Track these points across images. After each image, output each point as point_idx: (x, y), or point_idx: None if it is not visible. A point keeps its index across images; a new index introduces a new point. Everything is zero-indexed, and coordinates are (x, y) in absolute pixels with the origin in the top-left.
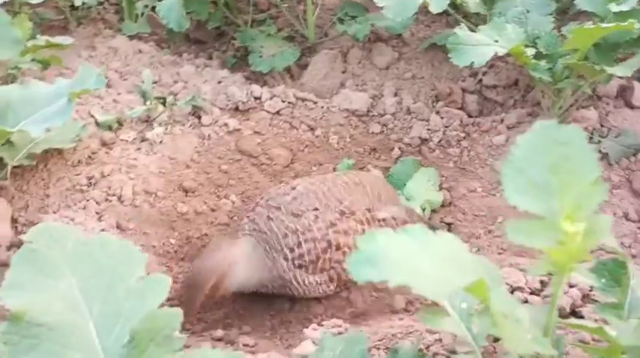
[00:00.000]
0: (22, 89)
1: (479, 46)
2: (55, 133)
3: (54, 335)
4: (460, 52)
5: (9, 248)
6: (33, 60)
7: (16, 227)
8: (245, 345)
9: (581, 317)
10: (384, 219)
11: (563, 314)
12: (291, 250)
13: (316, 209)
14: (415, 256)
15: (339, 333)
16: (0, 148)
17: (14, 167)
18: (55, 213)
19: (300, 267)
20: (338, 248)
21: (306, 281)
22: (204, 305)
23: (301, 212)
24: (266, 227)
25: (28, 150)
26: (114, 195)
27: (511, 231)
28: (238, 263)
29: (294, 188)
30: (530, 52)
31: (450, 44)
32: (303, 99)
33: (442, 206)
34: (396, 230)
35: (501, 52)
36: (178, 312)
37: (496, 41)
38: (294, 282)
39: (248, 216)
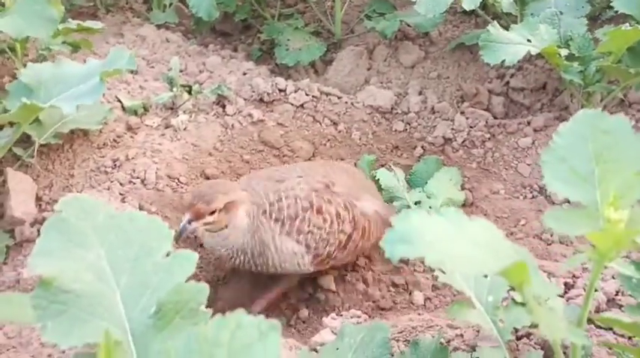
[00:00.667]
0: (54, 67)
1: (511, 44)
2: (82, 115)
3: (81, 303)
4: (491, 49)
5: (32, 224)
6: (64, 42)
7: (40, 205)
8: None
9: None
10: (367, 214)
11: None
12: (271, 204)
13: (300, 177)
14: (450, 238)
15: (358, 323)
16: (29, 126)
17: (41, 145)
18: (79, 192)
19: (276, 220)
20: (319, 211)
21: (284, 247)
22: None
23: (284, 178)
24: (249, 188)
25: (56, 129)
26: (137, 177)
27: (550, 219)
28: (245, 203)
29: (287, 165)
30: (563, 53)
31: (481, 41)
32: (328, 94)
33: (463, 206)
34: (429, 212)
35: (533, 51)
36: (205, 287)
37: (528, 41)
38: (272, 246)
39: (241, 183)
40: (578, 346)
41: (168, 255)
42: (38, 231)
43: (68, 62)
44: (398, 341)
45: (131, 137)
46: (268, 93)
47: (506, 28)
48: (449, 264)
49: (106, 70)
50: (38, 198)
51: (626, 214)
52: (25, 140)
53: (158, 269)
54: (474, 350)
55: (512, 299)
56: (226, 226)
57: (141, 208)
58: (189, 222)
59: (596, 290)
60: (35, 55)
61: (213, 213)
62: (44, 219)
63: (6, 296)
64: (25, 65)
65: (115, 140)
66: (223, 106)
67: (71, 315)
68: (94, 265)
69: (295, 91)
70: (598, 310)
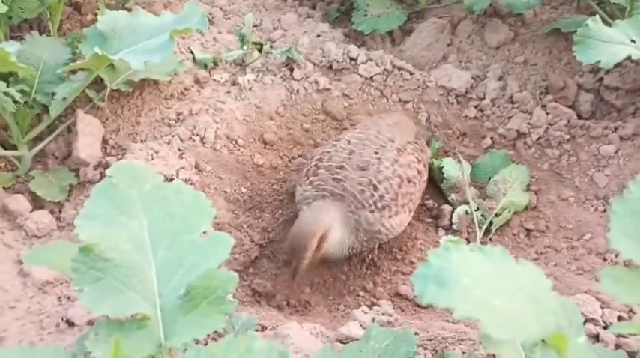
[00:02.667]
0: (130, 17)
1: (610, 43)
2: (154, 64)
3: (118, 273)
4: (587, 46)
5: (96, 167)
6: None
7: (105, 148)
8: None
9: None
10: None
11: None
12: (371, 196)
13: (377, 153)
14: (490, 283)
15: (389, 323)
16: (103, 70)
17: (112, 90)
18: (142, 141)
19: (382, 208)
20: (409, 180)
21: (395, 224)
22: (308, 268)
23: (366, 162)
24: (338, 189)
25: (127, 76)
26: (197, 135)
27: (607, 280)
28: (334, 226)
29: (348, 141)
30: None
31: (577, 36)
32: (400, 69)
33: (525, 210)
34: (472, 248)
35: (635, 55)
36: (234, 277)
37: (632, 41)
38: (383, 230)
39: (310, 182)
40: None
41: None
42: (101, 173)
43: (144, 13)
44: (426, 348)
45: (197, 91)
46: (338, 61)
47: (612, 17)
48: (482, 323)
49: (176, 28)
50: (104, 141)
51: None
52: (99, 83)
53: (194, 248)
54: None
55: None
56: (327, 249)
57: (197, 166)
58: (296, 268)
59: None
60: None
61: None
62: (107, 163)
63: (56, 244)
64: (106, 5)
65: (182, 92)
66: (291, 69)
67: (107, 283)
68: (135, 235)
69: (366, 62)
70: None
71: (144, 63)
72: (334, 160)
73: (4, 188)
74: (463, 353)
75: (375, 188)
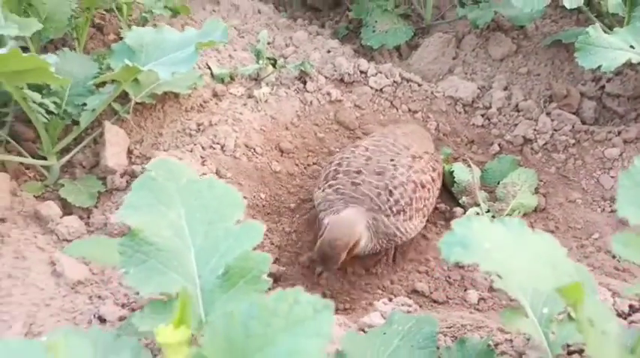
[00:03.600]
0: (155, 33)
1: (610, 49)
2: (175, 78)
3: (160, 256)
4: (588, 52)
5: (122, 175)
6: (165, 7)
7: (130, 158)
8: None
9: None
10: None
11: None
12: (387, 201)
13: (392, 160)
14: (509, 248)
15: (409, 313)
16: (127, 85)
17: (137, 103)
18: (165, 151)
19: (398, 213)
20: (423, 186)
21: (409, 228)
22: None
23: (382, 169)
24: (356, 193)
25: (151, 89)
26: (218, 143)
27: (618, 244)
28: (363, 235)
29: (366, 148)
30: None
31: (579, 43)
32: (408, 80)
33: (534, 211)
34: (492, 220)
35: (635, 59)
36: (268, 257)
37: (632, 47)
38: (398, 233)
39: (330, 185)
40: None
41: (238, 222)
42: (127, 181)
43: (168, 29)
44: (445, 335)
45: (216, 104)
46: (349, 74)
47: (610, 28)
48: (503, 276)
49: (201, 41)
50: (129, 152)
51: None
52: (123, 97)
53: (229, 235)
54: (523, 355)
55: (568, 315)
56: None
57: (218, 173)
58: (322, 273)
59: None
60: (138, 16)
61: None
62: (133, 171)
63: (95, 239)
64: (128, 25)
65: (201, 105)
66: (304, 82)
67: (151, 265)
68: (175, 223)
69: (376, 74)
70: None
71: (171, 73)
72: (352, 166)
73: (34, 196)
74: (481, 338)
75: (391, 193)
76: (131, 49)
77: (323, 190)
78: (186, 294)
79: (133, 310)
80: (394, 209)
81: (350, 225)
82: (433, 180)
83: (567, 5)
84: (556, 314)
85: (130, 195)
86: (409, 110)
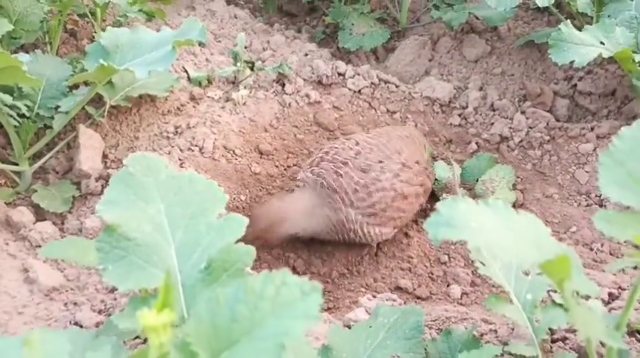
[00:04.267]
0: (131, 33)
1: (582, 45)
2: (151, 81)
3: (140, 251)
4: (561, 48)
5: (97, 179)
6: (140, 11)
7: (105, 162)
8: None
9: None
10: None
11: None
12: (362, 200)
13: (381, 161)
14: (495, 228)
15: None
16: (102, 87)
17: (111, 106)
18: None
19: (370, 215)
20: (405, 198)
21: (373, 233)
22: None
23: (368, 166)
24: (335, 183)
25: (126, 92)
26: (196, 145)
27: (601, 221)
28: (296, 215)
29: (357, 143)
30: (638, 59)
31: (551, 40)
32: (386, 82)
33: (513, 206)
34: (477, 202)
35: (605, 54)
36: (252, 250)
37: (602, 43)
38: (359, 232)
39: (312, 170)
40: (613, 350)
41: (220, 216)
42: (102, 185)
43: (144, 29)
44: (431, 328)
45: (193, 107)
46: (327, 76)
47: (579, 29)
48: (490, 251)
49: (178, 40)
50: (104, 156)
51: None
52: (98, 100)
53: (211, 229)
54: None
55: (552, 300)
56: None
57: None
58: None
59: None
60: (112, 21)
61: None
62: (108, 175)
63: (71, 239)
64: (102, 30)
65: (178, 108)
66: (283, 85)
67: (130, 261)
68: (154, 218)
69: (354, 76)
70: None
71: (148, 72)
72: (340, 155)
73: (5, 203)
74: (466, 328)
75: (370, 194)
76: (106, 49)
77: (304, 172)
78: (169, 278)
79: (110, 316)
80: (368, 210)
81: (280, 207)
82: (417, 195)
83: (539, 3)
84: (539, 300)
85: (107, 190)
86: (387, 111)
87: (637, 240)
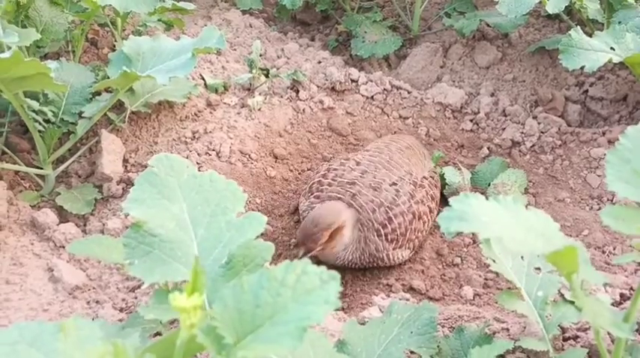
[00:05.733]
0: (152, 41)
1: (592, 51)
2: (170, 88)
3: (164, 247)
4: (572, 54)
5: (118, 183)
6: (159, 20)
7: (125, 166)
8: None
9: None
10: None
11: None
12: (384, 226)
13: (394, 184)
14: (506, 221)
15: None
16: (123, 94)
17: (132, 112)
18: None
19: (391, 241)
20: (420, 218)
21: (396, 257)
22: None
23: (379, 184)
24: (355, 204)
25: (146, 99)
26: (213, 150)
27: (607, 217)
28: (347, 226)
29: (358, 163)
30: None
31: (562, 45)
32: (399, 88)
33: None
34: (487, 198)
35: (616, 59)
36: (271, 246)
37: (612, 49)
38: (385, 259)
39: (317, 196)
40: (621, 342)
41: (240, 215)
42: (123, 188)
43: (165, 37)
44: (443, 327)
45: (210, 113)
46: (340, 82)
47: (590, 36)
48: (501, 243)
49: (197, 47)
50: (125, 160)
51: None
52: (119, 107)
53: (231, 226)
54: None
55: (562, 296)
56: (334, 247)
57: None
58: (303, 256)
59: None
60: (132, 31)
61: (321, 245)
62: (129, 179)
63: (97, 237)
64: (123, 39)
65: (195, 114)
66: (297, 91)
67: (155, 256)
68: (177, 216)
69: (366, 83)
70: None
71: (169, 78)
72: (346, 177)
73: (30, 206)
74: (478, 326)
75: (390, 220)
76: (128, 57)
77: (308, 199)
78: (198, 264)
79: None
80: (389, 237)
81: (337, 209)
82: (430, 211)
83: (550, 10)
84: (550, 296)
85: (133, 189)
86: (400, 116)
87: None
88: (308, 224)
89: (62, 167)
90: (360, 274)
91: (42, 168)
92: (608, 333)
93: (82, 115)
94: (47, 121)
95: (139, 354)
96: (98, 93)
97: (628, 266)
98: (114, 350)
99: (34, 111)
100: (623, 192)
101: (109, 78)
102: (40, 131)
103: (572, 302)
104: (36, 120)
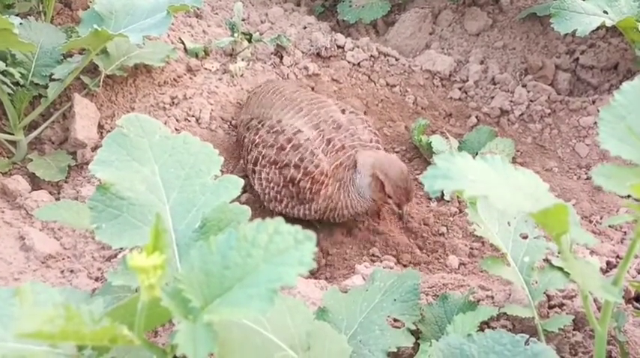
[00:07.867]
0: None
1: (585, 14)
2: (146, 51)
3: (134, 211)
4: (563, 17)
5: (93, 149)
6: None
7: (101, 132)
8: None
9: None
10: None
11: (625, 299)
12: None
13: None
14: (493, 180)
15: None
16: (97, 57)
17: (107, 76)
18: None
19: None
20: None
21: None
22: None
23: (338, 125)
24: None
25: (122, 62)
26: (193, 116)
27: (599, 176)
28: None
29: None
30: None
31: (553, 9)
32: (386, 55)
33: None
34: (475, 157)
35: (609, 23)
36: (247, 209)
37: (605, 12)
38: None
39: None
40: (609, 306)
41: (215, 178)
42: None
43: None
44: (427, 295)
45: (190, 78)
46: (326, 48)
47: None
48: (490, 197)
49: (173, 5)
50: (100, 126)
51: None
52: (93, 70)
53: (205, 189)
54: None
55: (549, 263)
56: None
57: None
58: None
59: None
60: None
61: None
62: None
63: (66, 202)
64: None
65: (175, 79)
66: (281, 57)
67: (124, 220)
68: (148, 179)
69: (353, 49)
70: (637, 293)
71: (142, 38)
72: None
73: (1, 173)
74: (462, 294)
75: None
76: (100, 15)
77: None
78: (159, 222)
79: None
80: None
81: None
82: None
83: None
84: (537, 262)
85: (100, 150)
86: (387, 84)
87: (635, 189)
88: (407, 177)
89: (35, 133)
90: (345, 244)
91: (13, 134)
92: (594, 300)
93: (53, 77)
94: (16, 84)
95: (96, 319)
96: (70, 55)
97: (614, 234)
98: (65, 314)
99: (1, 72)
100: (616, 150)
101: (80, 37)
102: (9, 94)
103: (559, 269)
104: (4, 83)
